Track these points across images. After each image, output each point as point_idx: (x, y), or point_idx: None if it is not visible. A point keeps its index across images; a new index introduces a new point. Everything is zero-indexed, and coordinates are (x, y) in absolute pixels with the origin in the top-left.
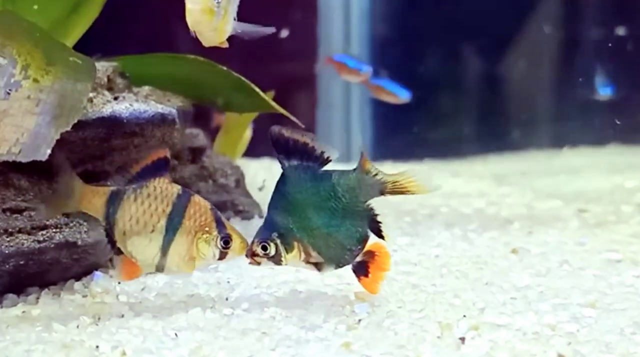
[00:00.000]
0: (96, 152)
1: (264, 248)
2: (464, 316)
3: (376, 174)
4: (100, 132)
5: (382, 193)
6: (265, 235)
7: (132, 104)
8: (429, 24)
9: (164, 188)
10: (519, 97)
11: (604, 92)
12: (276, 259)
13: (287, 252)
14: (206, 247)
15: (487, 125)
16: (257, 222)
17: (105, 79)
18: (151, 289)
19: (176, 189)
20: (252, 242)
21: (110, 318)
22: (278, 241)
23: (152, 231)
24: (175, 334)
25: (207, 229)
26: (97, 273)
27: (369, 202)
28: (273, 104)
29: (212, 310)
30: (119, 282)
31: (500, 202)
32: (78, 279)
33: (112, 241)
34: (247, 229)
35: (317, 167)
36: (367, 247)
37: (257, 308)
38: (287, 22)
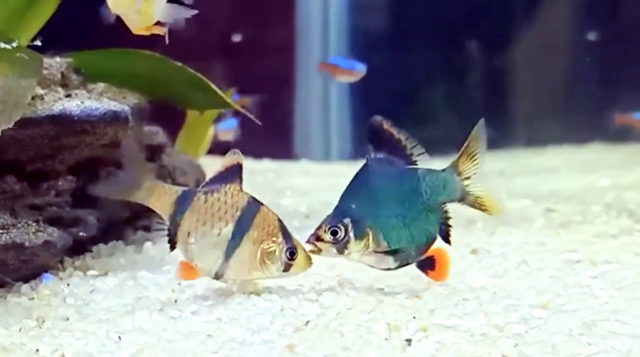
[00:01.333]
0: (46, 150)
1: (334, 233)
2: (414, 317)
3: (467, 178)
4: (50, 130)
5: (460, 200)
6: (336, 220)
7: (83, 102)
8: (409, 18)
9: (235, 195)
10: (503, 94)
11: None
12: (340, 247)
13: (356, 240)
14: (271, 258)
15: (470, 123)
16: None
17: (59, 76)
18: (100, 291)
19: (246, 197)
20: (320, 227)
21: (54, 321)
22: (350, 226)
23: (219, 235)
24: (119, 337)
25: (273, 239)
26: (46, 275)
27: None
28: (230, 101)
29: (160, 313)
30: (68, 285)
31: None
32: (26, 281)
33: (172, 242)
34: None
35: (403, 164)
36: (430, 251)
37: (205, 311)
38: (265, 17)
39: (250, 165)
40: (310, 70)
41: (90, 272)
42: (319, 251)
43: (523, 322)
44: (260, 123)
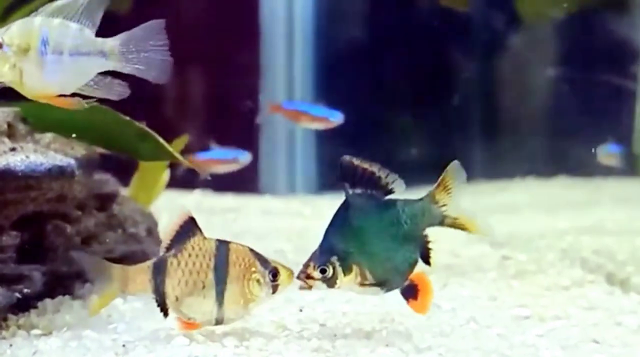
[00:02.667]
0: None
1: (323, 271)
2: None
3: (444, 205)
4: None
5: (440, 223)
6: (324, 258)
7: (28, 156)
8: (374, 45)
9: (201, 245)
10: (469, 124)
11: None
12: (331, 282)
13: (344, 275)
14: (257, 287)
15: (435, 154)
16: None
17: (5, 126)
18: (43, 353)
19: (213, 242)
20: (307, 265)
21: None
22: (337, 264)
23: (203, 287)
24: None
25: (253, 269)
26: None
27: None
28: (176, 154)
29: None
30: (11, 345)
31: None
32: None
33: (164, 310)
34: None
35: (381, 195)
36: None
37: None
38: (229, 48)
39: (210, 203)
40: (274, 99)
41: (34, 332)
42: (310, 288)
43: None
44: (208, 176)
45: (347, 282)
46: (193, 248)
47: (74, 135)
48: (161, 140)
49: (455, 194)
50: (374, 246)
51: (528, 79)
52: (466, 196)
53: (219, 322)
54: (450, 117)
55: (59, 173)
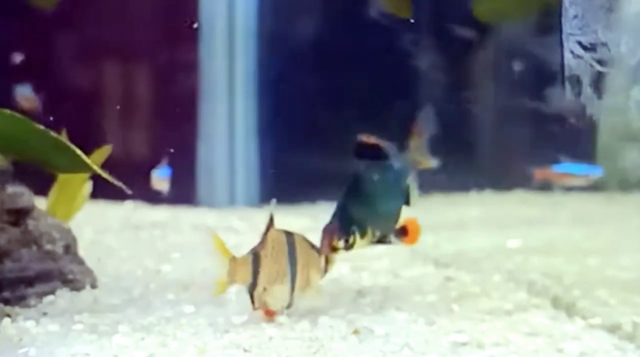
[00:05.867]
0: None
1: (347, 241)
2: None
3: (417, 151)
4: None
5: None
6: (346, 229)
7: None
8: (322, 44)
9: (276, 236)
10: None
11: None
12: (350, 247)
13: (361, 239)
14: (316, 274)
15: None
16: (88, 294)
17: None
18: None
19: (282, 233)
20: (331, 239)
21: None
22: (357, 232)
23: (282, 276)
24: None
25: (312, 257)
26: None
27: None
28: (93, 165)
29: None
30: None
31: (367, 267)
32: None
33: (253, 300)
34: (74, 303)
35: (384, 162)
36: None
37: None
38: (165, 46)
39: (140, 217)
40: (214, 104)
41: None
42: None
43: None
44: (129, 192)
45: (362, 244)
46: (272, 240)
47: None
48: (79, 151)
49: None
50: (382, 207)
51: (486, 86)
52: (415, 210)
53: (288, 307)
54: (402, 124)
55: None
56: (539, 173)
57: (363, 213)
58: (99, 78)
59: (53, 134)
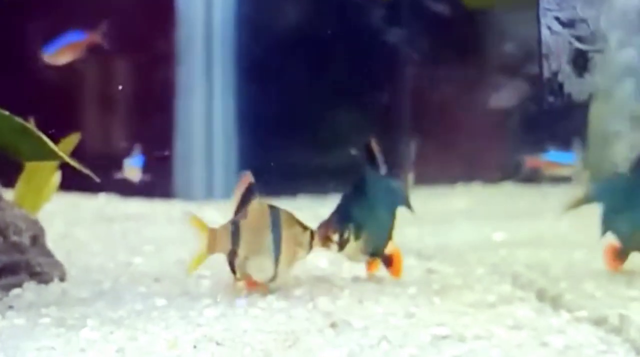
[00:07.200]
0: None
1: (341, 235)
2: None
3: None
4: None
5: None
6: (343, 223)
7: None
8: (302, 36)
9: (260, 208)
10: (406, 125)
11: None
12: (342, 245)
13: (355, 241)
14: (301, 248)
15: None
16: (56, 287)
17: None
18: None
19: (266, 205)
20: (327, 228)
21: None
22: (352, 230)
23: (264, 247)
24: None
25: (298, 231)
26: None
27: None
28: (60, 153)
29: None
30: None
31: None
32: None
33: (234, 270)
34: (42, 296)
35: (392, 177)
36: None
37: None
38: (141, 36)
39: (113, 210)
40: (191, 96)
41: None
42: (328, 247)
43: None
44: (98, 180)
45: (354, 247)
46: (254, 211)
47: None
48: (45, 138)
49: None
50: (379, 220)
51: (476, 75)
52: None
53: (272, 280)
54: (385, 117)
55: None
56: (530, 161)
57: (362, 216)
58: (73, 70)
59: (19, 119)
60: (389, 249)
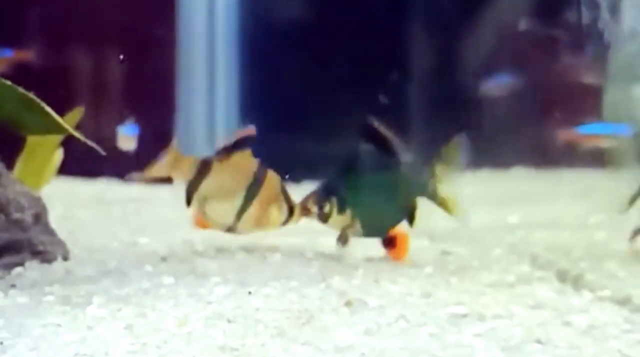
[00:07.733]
0: None
1: (321, 207)
2: None
3: (439, 181)
4: None
5: (429, 198)
6: (324, 196)
7: None
8: (305, 27)
9: (247, 161)
10: (419, 107)
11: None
12: (322, 217)
13: (338, 215)
14: (276, 215)
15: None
16: (60, 266)
17: None
18: None
19: (256, 163)
20: (308, 200)
21: None
22: (334, 203)
23: (233, 198)
24: None
25: (278, 198)
26: None
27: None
28: (65, 125)
29: None
30: None
31: (359, 241)
32: None
33: (189, 200)
34: (45, 274)
35: (389, 159)
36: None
37: None
38: (141, 20)
39: (113, 193)
40: (194, 82)
41: None
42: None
43: None
44: (104, 153)
45: (339, 221)
46: (238, 159)
47: None
48: (49, 109)
49: (453, 170)
50: (370, 200)
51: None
52: None
53: (229, 231)
54: (396, 102)
55: None
56: (563, 135)
57: (347, 192)
58: (74, 54)
59: (22, 90)
60: (394, 231)
